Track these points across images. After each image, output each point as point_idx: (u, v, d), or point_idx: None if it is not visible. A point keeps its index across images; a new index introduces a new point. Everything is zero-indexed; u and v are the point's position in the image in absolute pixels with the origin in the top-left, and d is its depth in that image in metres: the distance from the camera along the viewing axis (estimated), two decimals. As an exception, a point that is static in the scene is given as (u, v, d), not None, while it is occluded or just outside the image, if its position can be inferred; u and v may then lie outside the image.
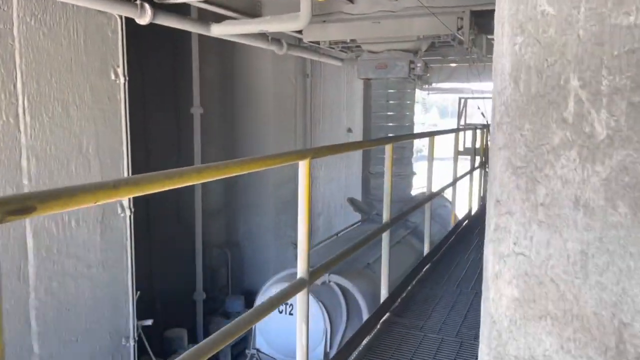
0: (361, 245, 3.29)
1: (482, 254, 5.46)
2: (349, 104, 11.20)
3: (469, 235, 6.31)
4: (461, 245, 5.87)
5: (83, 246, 4.93)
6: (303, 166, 2.48)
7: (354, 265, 5.44)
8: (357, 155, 11.72)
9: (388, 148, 3.42)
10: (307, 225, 2.41)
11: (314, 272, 2.51)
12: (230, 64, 8.69)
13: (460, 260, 5.25)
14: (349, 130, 11.21)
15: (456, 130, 5.75)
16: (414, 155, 12.43)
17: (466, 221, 6.98)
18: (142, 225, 7.84)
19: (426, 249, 5.06)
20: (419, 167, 12.22)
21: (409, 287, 4.38)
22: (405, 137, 3.82)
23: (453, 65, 11.76)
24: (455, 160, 5.72)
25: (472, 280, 4.65)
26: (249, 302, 8.63)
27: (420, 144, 24.87)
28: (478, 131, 7.35)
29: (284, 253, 9.10)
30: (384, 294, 3.84)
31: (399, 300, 4.15)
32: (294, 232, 9.17)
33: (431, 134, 4.36)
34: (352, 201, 7.64)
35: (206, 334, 8.02)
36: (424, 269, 4.93)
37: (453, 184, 5.62)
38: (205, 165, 1.85)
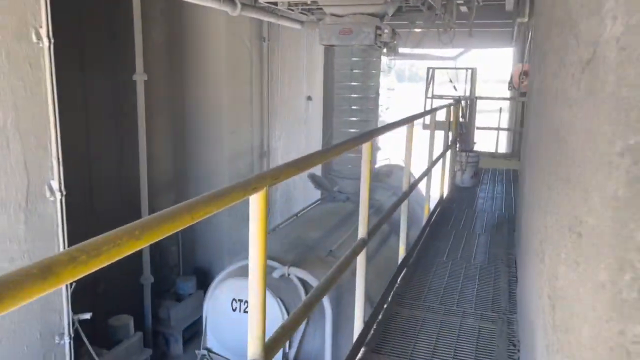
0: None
1: (460, 257, 4.95)
2: (309, 71, 10.57)
3: (443, 228, 5.89)
4: (437, 244, 5.37)
5: (3, 236, 4.27)
6: (256, 201, 1.67)
7: (315, 253, 4.98)
8: (317, 122, 11.18)
9: (366, 148, 2.87)
10: (263, 290, 1.75)
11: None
12: (178, 25, 7.91)
13: (439, 267, 4.73)
14: (309, 98, 10.63)
15: (433, 110, 5.22)
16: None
17: (438, 209, 6.56)
18: (80, 204, 7.15)
19: (401, 253, 4.53)
20: (382, 140, 11.77)
21: (385, 308, 3.81)
22: (381, 130, 3.18)
23: (418, 30, 11.25)
24: (432, 144, 5.14)
25: (455, 294, 4.12)
26: (202, 283, 8.12)
27: (383, 115, 24.46)
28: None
29: (238, 230, 8.57)
30: (358, 326, 3.23)
31: (374, 328, 3.51)
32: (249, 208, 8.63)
33: (410, 120, 3.82)
34: (312, 177, 7.13)
35: (155, 319, 7.49)
36: (399, 279, 4.38)
37: (428, 172, 5.01)
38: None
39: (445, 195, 6.89)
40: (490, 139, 10.30)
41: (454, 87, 7.47)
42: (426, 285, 4.29)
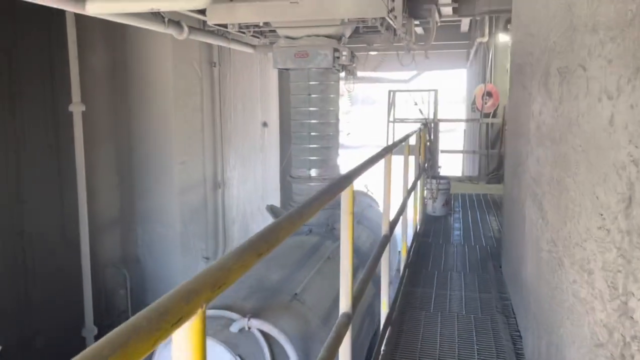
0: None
1: (449, 309, 4.15)
2: (264, 96, 10.15)
3: (423, 269, 5.44)
4: (420, 291, 4.78)
5: None
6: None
7: (278, 298, 4.47)
8: (273, 149, 10.73)
9: (346, 197, 2.36)
10: None
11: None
12: (121, 51, 7.36)
13: (427, 323, 4.12)
14: (265, 124, 10.18)
15: (407, 137, 4.80)
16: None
17: (414, 244, 6.10)
18: (13, 250, 6.43)
19: (384, 310, 3.87)
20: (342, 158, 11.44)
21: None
22: (359, 170, 2.59)
23: (374, 53, 11.03)
24: (406, 173, 4.66)
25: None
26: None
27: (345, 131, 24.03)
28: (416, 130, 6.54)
29: (193, 269, 7.96)
30: None
31: None
32: (204, 244, 8.06)
33: (388, 150, 3.36)
34: (271, 209, 6.65)
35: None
36: (384, 344, 3.77)
37: (404, 207, 4.48)
38: None
39: (419, 227, 6.52)
40: (451, 162, 10.09)
41: (420, 110, 7.19)
42: (416, 352, 3.75)
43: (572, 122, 2.20)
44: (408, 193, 4.57)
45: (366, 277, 2.93)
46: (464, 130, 10.73)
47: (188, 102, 7.66)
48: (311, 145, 6.26)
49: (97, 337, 6.68)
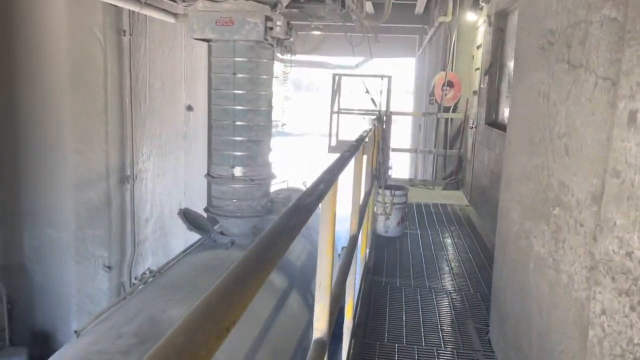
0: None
1: None
2: (190, 75, 8.76)
3: (378, 343, 3.94)
4: None
5: None
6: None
7: None
8: (200, 137, 9.38)
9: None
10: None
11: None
12: (5, 12, 5.84)
13: None
14: (189, 108, 8.81)
15: (363, 139, 3.51)
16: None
17: (362, 287, 4.56)
18: None
19: None
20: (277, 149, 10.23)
21: None
22: (330, 176, 1.55)
23: (317, 33, 9.83)
24: (358, 185, 3.21)
25: None
26: (41, 354, 5.97)
27: (281, 116, 22.68)
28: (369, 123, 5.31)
29: (91, 279, 6.59)
30: None
31: None
32: (106, 251, 6.68)
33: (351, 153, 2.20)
34: (185, 214, 5.38)
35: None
36: None
37: (356, 239, 3.13)
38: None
39: (367, 256, 4.93)
40: (398, 162, 8.98)
41: (372, 99, 5.97)
42: None
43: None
44: (360, 214, 3.20)
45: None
46: (420, 126, 9.66)
47: (87, 77, 6.22)
48: (236, 138, 5.03)
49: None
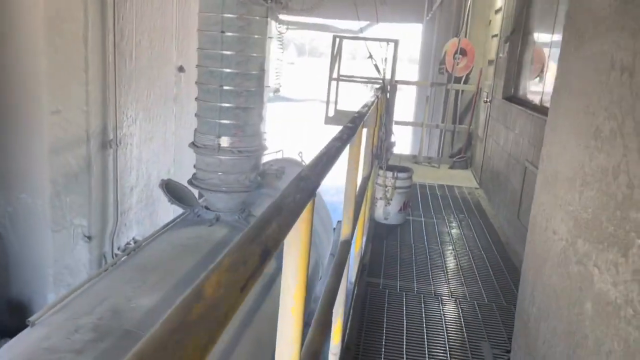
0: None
1: None
2: (182, 33, 8.17)
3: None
4: None
5: None
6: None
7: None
8: (192, 100, 8.83)
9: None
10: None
11: None
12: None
13: None
14: (181, 69, 8.26)
15: (365, 114, 2.98)
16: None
17: (356, 289, 3.94)
18: None
19: None
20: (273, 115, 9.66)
21: None
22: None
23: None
24: (354, 168, 2.64)
25: None
26: (17, 324, 5.60)
27: (276, 80, 21.92)
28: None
29: (69, 249, 6.19)
30: None
31: None
32: (84, 220, 6.25)
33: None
34: (166, 186, 4.91)
35: None
36: None
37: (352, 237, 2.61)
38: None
39: (363, 250, 4.36)
40: (400, 136, 8.40)
41: (376, 66, 5.40)
42: None
43: None
44: (356, 212, 2.64)
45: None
46: (427, 97, 9.06)
47: (65, 29, 5.67)
48: (223, 104, 4.54)
49: None
